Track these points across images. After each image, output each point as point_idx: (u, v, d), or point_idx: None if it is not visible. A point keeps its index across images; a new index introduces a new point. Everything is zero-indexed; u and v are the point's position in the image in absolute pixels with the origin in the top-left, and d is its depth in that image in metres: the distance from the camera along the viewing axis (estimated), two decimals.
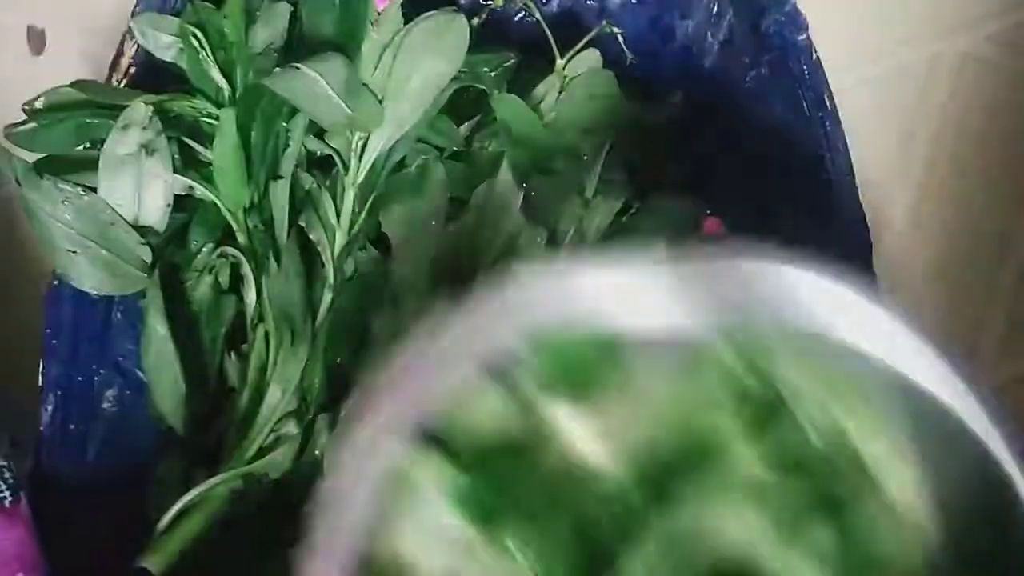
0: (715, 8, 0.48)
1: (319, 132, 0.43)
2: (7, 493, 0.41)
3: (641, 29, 0.51)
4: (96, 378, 0.43)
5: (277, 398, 0.40)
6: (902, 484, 0.27)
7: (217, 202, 0.42)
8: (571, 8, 0.52)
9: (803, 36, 0.43)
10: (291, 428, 0.40)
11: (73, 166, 0.41)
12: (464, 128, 0.45)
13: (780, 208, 0.45)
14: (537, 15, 0.47)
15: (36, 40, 0.47)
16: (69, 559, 0.41)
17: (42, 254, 0.41)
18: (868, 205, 0.42)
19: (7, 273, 0.47)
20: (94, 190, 0.41)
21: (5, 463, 0.41)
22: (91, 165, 0.41)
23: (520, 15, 0.52)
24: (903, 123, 0.50)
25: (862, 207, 0.42)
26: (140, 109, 0.40)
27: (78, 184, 0.40)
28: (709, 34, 0.49)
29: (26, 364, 0.44)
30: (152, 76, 0.43)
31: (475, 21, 0.46)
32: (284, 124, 0.43)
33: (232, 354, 0.44)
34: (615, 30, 0.48)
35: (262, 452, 0.39)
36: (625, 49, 0.50)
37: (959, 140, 0.49)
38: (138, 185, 0.41)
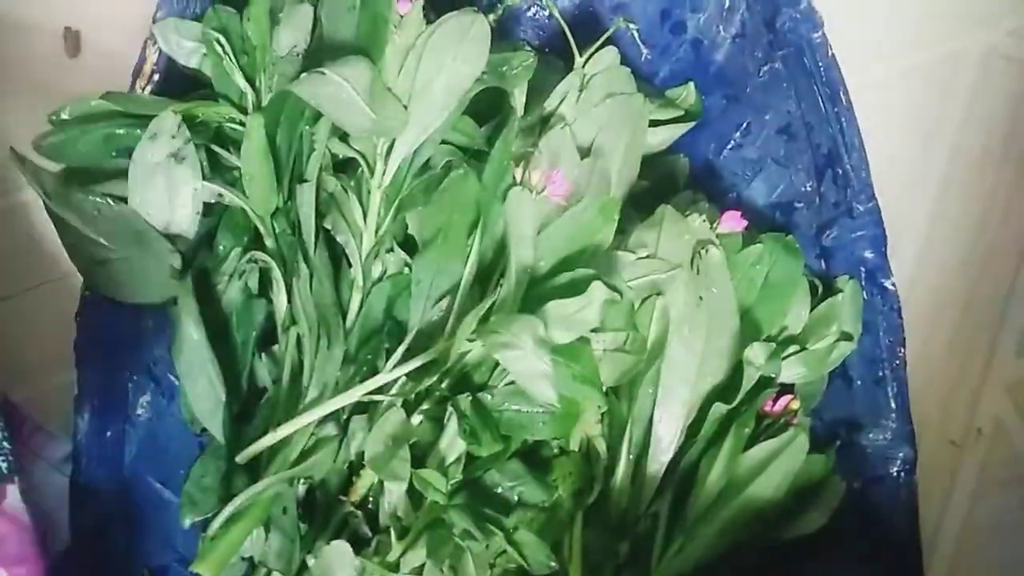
0: (727, 3, 0.49)
1: (343, 135, 0.44)
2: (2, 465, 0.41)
3: (652, 22, 0.51)
4: (130, 385, 0.43)
5: (316, 401, 0.41)
6: None
7: (245, 207, 0.42)
8: (582, 3, 0.52)
9: (818, 33, 0.44)
10: (330, 430, 0.41)
11: (102, 176, 0.41)
12: (485, 129, 0.46)
13: (795, 202, 0.46)
14: (556, 13, 0.48)
15: (72, 42, 0.47)
16: (106, 562, 0.42)
17: (72, 265, 0.41)
18: (889, 203, 0.43)
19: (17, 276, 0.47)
20: (124, 200, 0.41)
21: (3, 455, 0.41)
22: (120, 175, 0.41)
23: (533, 10, 0.53)
24: (925, 121, 0.50)
25: (877, 201, 0.44)
26: (169, 118, 0.40)
27: (107, 195, 0.41)
28: (721, 28, 0.49)
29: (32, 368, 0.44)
30: (175, 81, 0.43)
31: (491, 17, 0.46)
32: (308, 128, 0.43)
33: (262, 356, 0.44)
34: (630, 25, 0.49)
35: (304, 455, 0.40)
36: (640, 44, 0.50)
37: (981, 136, 0.50)
38: (168, 193, 0.41)
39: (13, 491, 0.42)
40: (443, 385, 0.40)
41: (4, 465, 0.42)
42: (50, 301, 0.47)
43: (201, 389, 0.42)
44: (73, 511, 0.42)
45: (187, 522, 0.41)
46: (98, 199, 0.40)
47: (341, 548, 0.38)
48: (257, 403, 0.44)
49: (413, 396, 0.40)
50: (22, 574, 0.41)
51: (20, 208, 0.49)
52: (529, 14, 0.53)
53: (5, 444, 0.42)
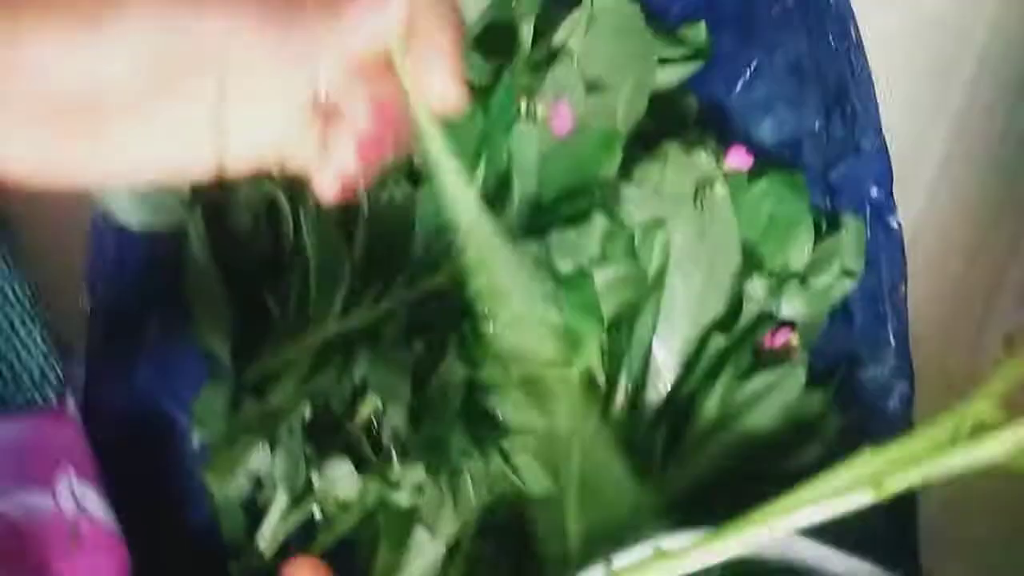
0: None
1: None
2: (52, 395, 0.43)
3: None
4: (141, 307, 0.44)
5: (320, 325, 0.42)
6: None
7: None
8: None
9: None
10: (335, 355, 0.42)
11: None
12: (491, 64, 0.46)
13: (802, 140, 0.46)
14: None
15: None
16: (117, 482, 0.44)
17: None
18: (901, 147, 0.42)
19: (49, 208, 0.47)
20: None
21: (53, 367, 0.43)
22: None
23: None
24: (940, 63, 0.49)
25: (884, 138, 0.43)
26: None
27: None
28: None
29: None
30: None
31: None
32: None
33: (271, 283, 0.45)
34: None
35: (308, 376, 0.41)
36: None
37: (996, 81, 0.49)
38: None
39: (71, 403, 0.43)
40: (445, 312, 0.41)
41: (54, 395, 0.43)
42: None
43: (209, 313, 0.43)
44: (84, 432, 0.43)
45: (197, 442, 0.43)
46: None
47: (344, 465, 0.39)
48: (265, 329, 0.45)
49: (416, 323, 0.41)
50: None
51: None
52: None
53: (49, 370, 0.43)
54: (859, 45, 0.43)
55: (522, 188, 0.41)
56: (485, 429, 0.39)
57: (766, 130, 0.47)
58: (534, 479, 0.39)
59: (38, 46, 0.20)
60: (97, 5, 0.21)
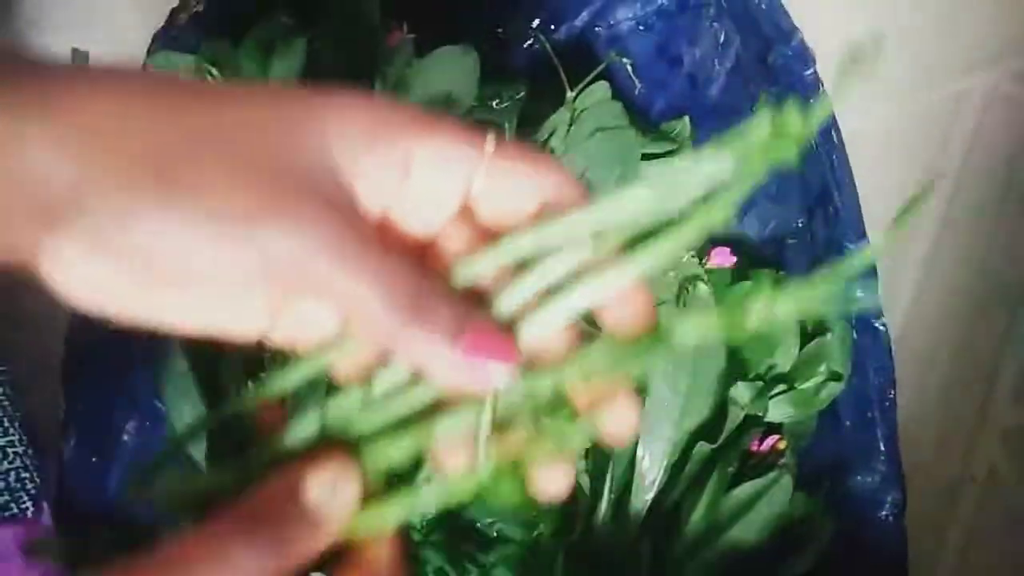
0: (722, 37, 0.49)
1: None
2: (28, 504, 0.42)
3: (648, 56, 0.51)
4: (116, 411, 0.43)
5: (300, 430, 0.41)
6: None
7: None
8: (580, 35, 0.52)
9: (810, 71, 0.44)
10: None
11: None
12: None
13: (786, 239, 0.46)
14: (547, 47, 0.48)
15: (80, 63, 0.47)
16: None
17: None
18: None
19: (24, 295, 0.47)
20: None
21: (28, 474, 0.42)
22: None
23: (530, 43, 0.53)
24: (925, 161, 0.49)
25: (868, 239, 0.43)
26: None
27: None
28: (716, 62, 0.49)
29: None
30: None
31: (485, 51, 0.46)
32: None
33: (248, 383, 0.45)
34: (624, 60, 0.49)
35: None
36: (634, 78, 0.50)
37: (981, 178, 0.49)
38: None
39: (46, 509, 0.43)
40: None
41: (31, 488, 0.42)
42: None
43: (186, 416, 0.42)
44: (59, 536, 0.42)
45: None
46: None
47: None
48: (242, 432, 0.44)
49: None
50: None
51: None
52: (525, 46, 0.53)
53: (25, 475, 0.43)
54: (841, 147, 0.43)
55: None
56: (464, 542, 0.38)
57: (749, 225, 0.47)
58: None
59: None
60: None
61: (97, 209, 0.20)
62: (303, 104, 0.22)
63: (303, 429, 0.25)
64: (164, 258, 0.21)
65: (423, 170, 0.23)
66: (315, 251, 0.21)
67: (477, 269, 0.24)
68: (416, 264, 0.22)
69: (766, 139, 0.25)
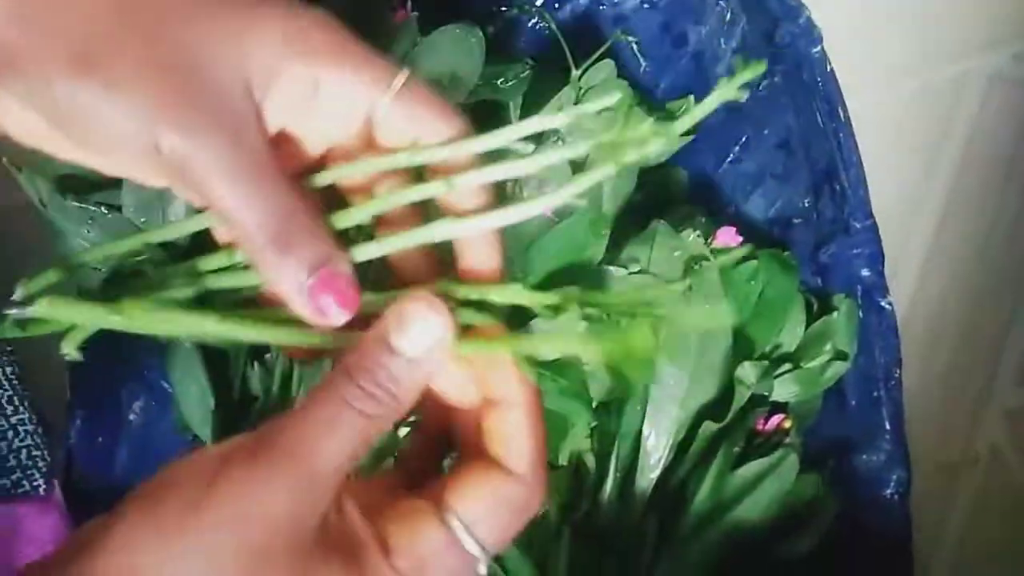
0: (728, 15, 0.48)
1: None
2: (40, 481, 0.42)
3: (654, 34, 0.51)
4: (123, 391, 0.43)
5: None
6: None
7: None
8: (584, 13, 0.52)
9: (817, 48, 0.44)
10: None
11: (96, 185, 0.41)
12: None
13: (792, 218, 0.46)
14: (552, 26, 0.48)
15: None
16: None
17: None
18: (891, 225, 0.42)
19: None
20: (118, 209, 0.41)
21: (39, 452, 0.42)
22: (114, 184, 0.41)
23: (535, 22, 0.52)
24: (928, 143, 0.49)
25: (874, 218, 0.43)
26: None
27: (101, 203, 0.41)
28: (722, 40, 0.49)
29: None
30: None
31: (490, 30, 0.46)
32: None
33: (255, 364, 0.45)
34: (629, 38, 0.49)
35: None
36: (639, 56, 0.50)
37: (984, 160, 0.49)
38: (162, 201, 0.41)
39: (57, 488, 0.43)
40: None
41: (42, 481, 0.43)
42: None
43: (192, 397, 0.43)
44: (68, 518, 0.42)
45: None
46: (92, 207, 0.40)
47: None
48: (248, 411, 0.44)
49: None
50: None
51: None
52: (530, 25, 0.53)
53: (37, 453, 0.43)
54: (848, 125, 0.43)
55: (509, 272, 0.41)
56: None
57: (755, 204, 0.47)
58: (521, 571, 0.38)
59: None
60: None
61: (28, 72, 0.23)
62: (233, 13, 0.24)
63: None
64: (74, 123, 0.23)
65: (330, 93, 0.25)
66: (204, 164, 0.23)
67: (333, 177, 0.26)
68: (297, 193, 0.24)
69: (615, 139, 0.27)
